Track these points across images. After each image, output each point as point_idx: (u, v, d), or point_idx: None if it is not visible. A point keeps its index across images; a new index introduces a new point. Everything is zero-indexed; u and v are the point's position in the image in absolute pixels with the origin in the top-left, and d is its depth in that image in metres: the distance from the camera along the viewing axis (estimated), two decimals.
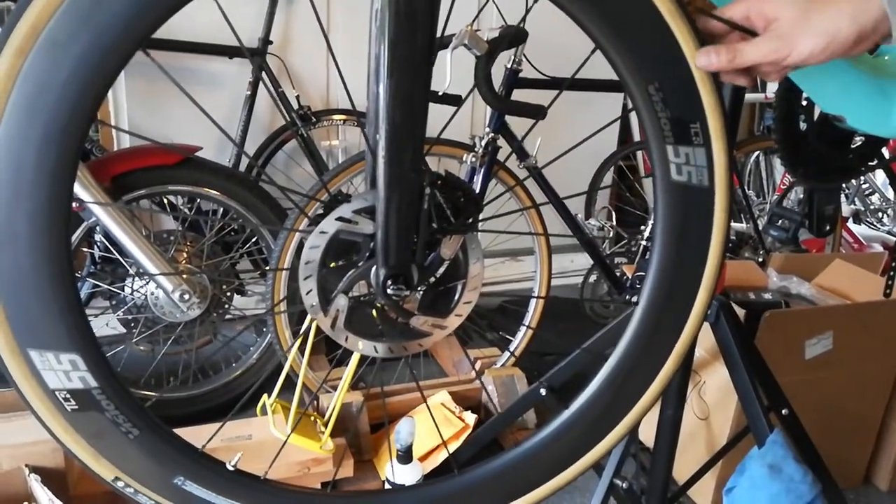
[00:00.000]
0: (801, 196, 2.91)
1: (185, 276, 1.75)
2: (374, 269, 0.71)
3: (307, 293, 0.71)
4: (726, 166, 0.72)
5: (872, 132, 0.95)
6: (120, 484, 0.71)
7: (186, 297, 1.73)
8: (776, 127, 1.11)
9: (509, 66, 1.87)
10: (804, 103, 1.12)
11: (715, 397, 1.54)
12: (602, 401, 0.80)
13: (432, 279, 0.73)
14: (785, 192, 2.35)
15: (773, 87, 3.59)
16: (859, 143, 1.17)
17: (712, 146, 0.71)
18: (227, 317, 1.94)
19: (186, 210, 2.04)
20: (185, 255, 1.86)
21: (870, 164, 1.16)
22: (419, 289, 0.73)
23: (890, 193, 3.34)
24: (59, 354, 0.64)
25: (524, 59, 1.87)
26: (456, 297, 0.75)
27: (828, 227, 1.26)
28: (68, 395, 0.66)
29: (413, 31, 0.62)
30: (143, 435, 0.70)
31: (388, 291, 0.70)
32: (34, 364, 0.64)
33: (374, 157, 0.67)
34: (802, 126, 1.11)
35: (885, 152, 1.20)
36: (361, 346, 0.76)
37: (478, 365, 1.99)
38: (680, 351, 0.79)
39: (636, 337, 0.78)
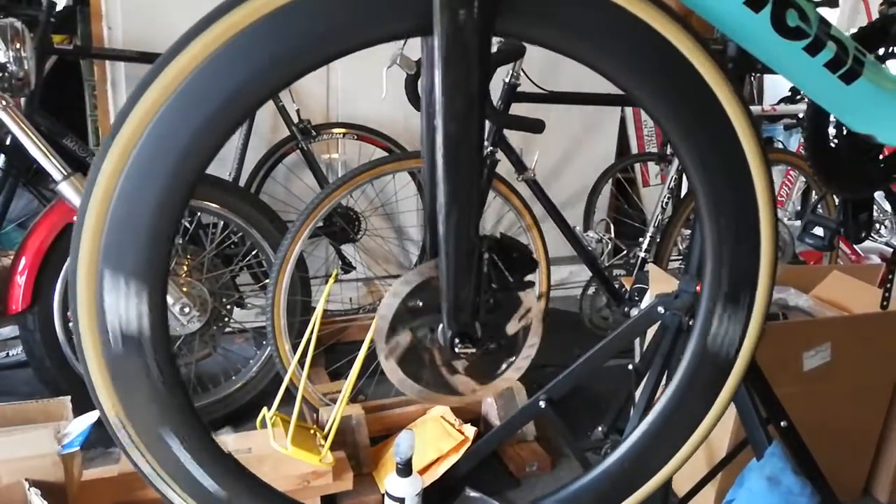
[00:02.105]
0: (798, 204, 2.93)
1: (185, 289, 1.76)
2: (441, 327, 0.76)
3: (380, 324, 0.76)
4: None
5: None
6: (116, 423, 0.74)
7: (187, 310, 1.74)
8: (807, 146, 1.16)
9: (507, 80, 1.89)
10: (833, 120, 1.16)
11: None
12: (668, 426, 0.84)
13: (492, 345, 0.79)
14: (817, 202, 2.39)
15: (770, 100, 3.62)
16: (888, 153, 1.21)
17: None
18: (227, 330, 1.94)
19: (187, 223, 2.05)
20: (185, 268, 1.87)
21: None
22: (482, 347, 0.78)
23: (887, 205, 3.35)
24: (129, 280, 0.68)
25: (522, 74, 1.89)
26: (501, 370, 0.80)
27: (864, 234, 1.32)
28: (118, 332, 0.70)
29: (469, 76, 0.65)
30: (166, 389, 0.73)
31: (456, 350, 0.75)
32: (103, 285, 0.68)
33: (434, 225, 0.72)
34: (833, 143, 1.15)
35: None
36: (400, 382, 0.80)
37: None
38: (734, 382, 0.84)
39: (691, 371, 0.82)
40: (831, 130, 1.13)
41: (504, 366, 0.80)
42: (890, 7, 1.08)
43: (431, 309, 0.76)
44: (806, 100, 1.17)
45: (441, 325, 0.76)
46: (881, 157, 1.17)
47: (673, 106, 0.71)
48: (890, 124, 0.89)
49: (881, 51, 1.07)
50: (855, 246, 3.11)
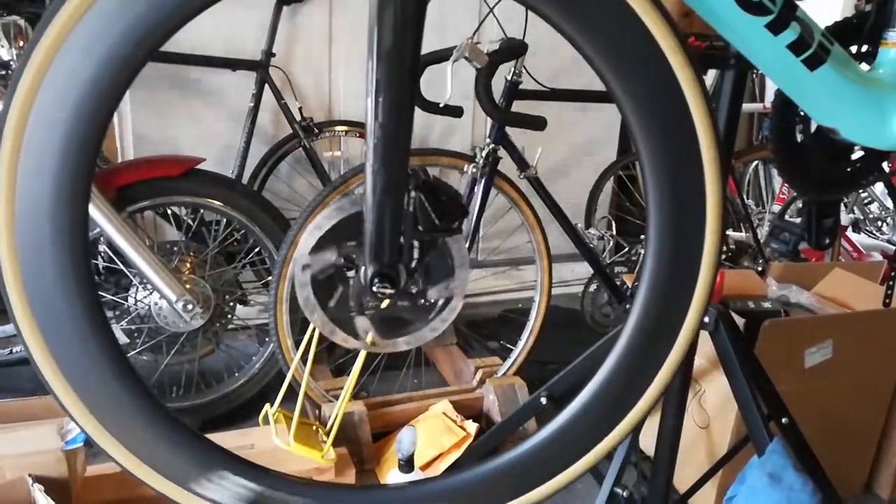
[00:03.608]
0: (801, 202, 2.92)
1: (188, 286, 1.77)
2: (362, 269, 0.74)
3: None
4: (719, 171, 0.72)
5: (865, 144, 0.95)
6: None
7: (190, 307, 1.74)
8: (772, 137, 1.11)
9: (509, 77, 1.89)
10: (801, 113, 1.12)
11: (715, 406, 1.54)
12: (599, 404, 0.81)
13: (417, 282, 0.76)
14: (787, 205, 2.35)
15: (771, 97, 3.62)
16: (859, 155, 1.16)
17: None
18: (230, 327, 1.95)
19: (190, 221, 2.05)
20: (188, 265, 1.88)
21: (870, 177, 1.15)
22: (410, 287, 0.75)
23: (889, 202, 3.35)
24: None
25: (524, 71, 1.89)
26: (405, 331, 0.78)
27: (827, 241, 1.25)
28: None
29: (399, 49, 0.65)
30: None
31: (374, 289, 0.73)
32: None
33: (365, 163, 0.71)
34: (800, 137, 1.11)
35: (886, 166, 1.20)
36: (403, 344, 0.78)
37: (479, 374, 2.00)
38: (675, 359, 0.79)
39: (630, 341, 0.79)
40: (799, 126, 1.08)
41: (419, 323, 0.77)
42: (867, 3, 1.04)
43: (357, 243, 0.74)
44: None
45: (362, 267, 0.74)
46: (850, 158, 1.12)
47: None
48: (853, 118, 0.85)
49: (853, 49, 1.03)
50: (857, 244, 3.11)
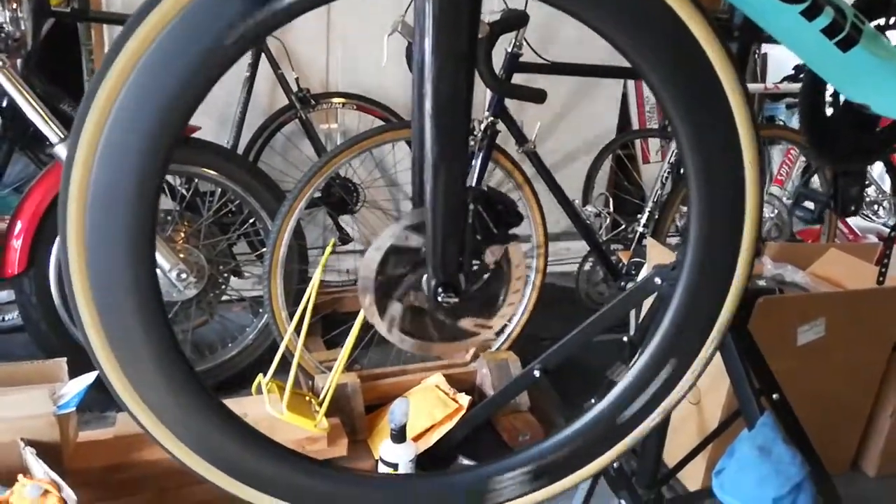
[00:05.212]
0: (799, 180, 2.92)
1: (182, 255, 1.76)
2: (425, 278, 0.76)
3: (368, 304, 0.77)
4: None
5: None
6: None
7: (183, 276, 1.74)
8: (802, 113, 1.14)
9: (510, 49, 1.87)
10: (830, 90, 1.15)
11: (706, 381, 1.54)
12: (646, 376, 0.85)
13: (478, 285, 0.79)
14: (810, 175, 2.38)
15: (773, 78, 3.59)
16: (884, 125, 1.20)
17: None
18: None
19: (184, 191, 2.04)
20: (182, 234, 1.86)
21: (895, 146, 1.19)
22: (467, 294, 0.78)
23: (886, 185, 3.35)
24: (115, 237, 0.69)
25: (525, 43, 1.87)
26: (500, 300, 0.80)
27: (853, 208, 1.30)
28: None
29: (458, 31, 0.66)
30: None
31: (440, 299, 0.76)
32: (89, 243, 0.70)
33: (422, 173, 0.72)
34: (829, 111, 1.14)
35: None
36: (418, 347, 0.80)
37: (472, 349, 2.00)
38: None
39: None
40: (827, 99, 1.11)
41: (486, 315, 0.80)
42: None
43: (415, 262, 0.77)
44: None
45: (425, 276, 0.76)
46: (877, 128, 1.16)
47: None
48: (885, 94, 0.87)
49: (881, 21, 1.05)
50: (853, 226, 3.11)
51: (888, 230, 1.63)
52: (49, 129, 1.63)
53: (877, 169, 3.41)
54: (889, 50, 0.86)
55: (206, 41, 0.62)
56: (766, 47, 3.63)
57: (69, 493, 1.13)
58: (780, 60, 3.65)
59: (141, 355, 0.73)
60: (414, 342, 0.79)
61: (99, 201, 0.67)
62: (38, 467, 1.18)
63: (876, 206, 3.38)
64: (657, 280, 1.17)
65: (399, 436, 1.48)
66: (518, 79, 1.89)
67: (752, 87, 3.24)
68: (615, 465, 1.33)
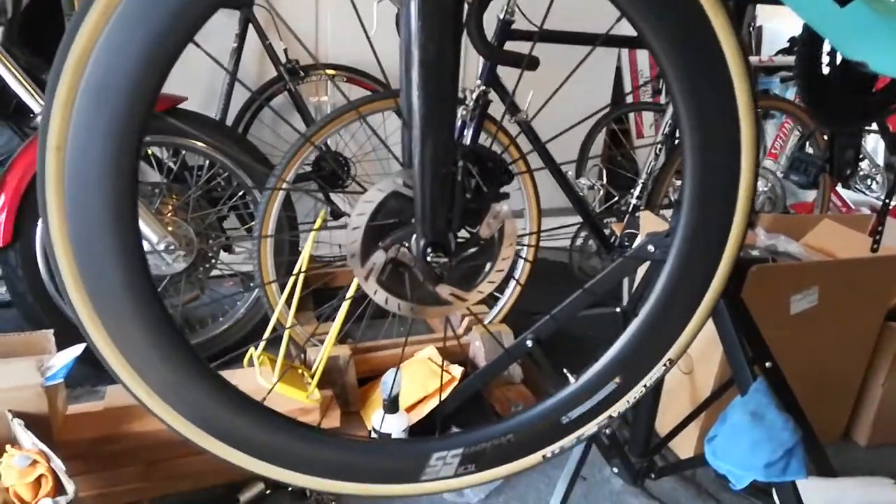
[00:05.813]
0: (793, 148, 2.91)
1: (170, 228, 1.73)
2: (414, 236, 0.75)
3: (352, 242, 0.75)
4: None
5: (895, 75, 0.96)
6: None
7: (172, 248, 1.71)
8: (798, 72, 1.13)
9: (502, 16, 1.83)
10: (827, 48, 1.13)
11: (699, 350, 1.55)
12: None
13: (468, 253, 0.78)
14: (804, 140, 2.38)
15: (768, 51, 3.56)
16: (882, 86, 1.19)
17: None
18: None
19: (171, 164, 2.00)
20: (170, 207, 1.84)
21: (891, 107, 1.18)
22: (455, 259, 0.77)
23: (880, 159, 3.34)
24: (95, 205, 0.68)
25: (517, 10, 1.83)
26: (481, 276, 0.79)
27: (849, 171, 1.30)
28: None
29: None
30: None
31: (428, 259, 0.74)
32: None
33: (410, 132, 0.71)
34: (825, 70, 1.13)
35: None
36: (387, 302, 0.79)
37: (465, 322, 2.00)
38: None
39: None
40: (824, 58, 1.10)
41: (464, 287, 0.79)
42: None
43: (403, 220, 0.75)
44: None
45: (413, 236, 0.75)
46: (873, 90, 1.15)
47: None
48: (883, 51, 0.86)
49: None
50: (847, 199, 3.11)
51: (881, 203, 1.63)
52: (33, 100, 1.60)
53: (870, 142, 3.40)
54: (888, 5, 0.83)
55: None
56: (760, 20, 3.60)
57: (58, 464, 1.12)
58: (774, 33, 3.62)
59: (131, 327, 0.72)
60: (386, 296, 0.77)
61: (76, 167, 0.65)
62: (27, 438, 1.17)
63: (869, 181, 3.38)
64: (650, 248, 1.16)
65: (391, 406, 1.47)
66: (511, 49, 1.85)
67: None
68: (607, 432, 1.33)
